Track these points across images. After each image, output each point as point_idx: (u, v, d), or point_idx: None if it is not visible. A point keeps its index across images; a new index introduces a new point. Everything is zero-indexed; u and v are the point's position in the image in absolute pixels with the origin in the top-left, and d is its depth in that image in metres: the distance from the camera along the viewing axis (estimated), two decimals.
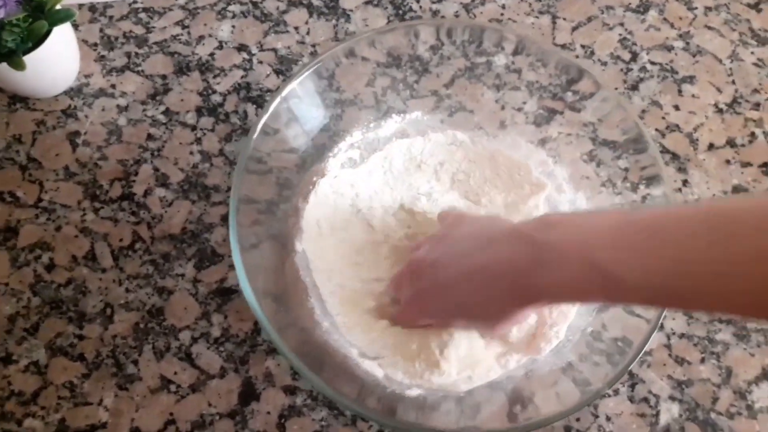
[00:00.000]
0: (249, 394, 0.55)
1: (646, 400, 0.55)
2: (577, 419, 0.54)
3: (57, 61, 0.62)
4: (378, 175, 0.61)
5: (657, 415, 0.55)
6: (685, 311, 0.58)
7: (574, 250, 0.40)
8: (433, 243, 0.53)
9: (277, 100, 0.55)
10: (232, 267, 0.59)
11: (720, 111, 0.67)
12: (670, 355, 0.57)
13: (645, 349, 0.55)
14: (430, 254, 0.51)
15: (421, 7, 0.71)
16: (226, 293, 0.58)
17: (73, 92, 0.66)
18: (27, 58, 0.57)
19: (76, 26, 0.68)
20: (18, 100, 0.65)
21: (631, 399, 0.55)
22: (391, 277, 0.56)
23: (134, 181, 0.62)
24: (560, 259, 0.41)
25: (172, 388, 0.55)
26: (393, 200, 0.61)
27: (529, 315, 0.51)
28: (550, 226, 0.42)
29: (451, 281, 0.48)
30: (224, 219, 0.61)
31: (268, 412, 0.54)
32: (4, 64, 0.57)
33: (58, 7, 0.58)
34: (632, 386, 0.56)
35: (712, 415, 0.55)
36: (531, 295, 0.43)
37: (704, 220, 0.37)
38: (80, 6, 0.69)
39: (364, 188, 0.60)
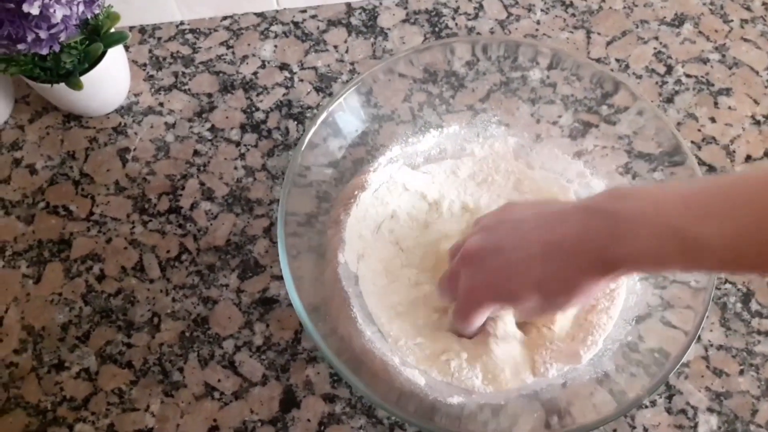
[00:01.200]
0: (290, 401, 0.56)
1: (683, 411, 0.55)
2: (614, 430, 0.55)
3: (110, 80, 0.65)
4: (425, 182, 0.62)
5: (695, 427, 0.55)
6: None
7: (649, 218, 0.40)
8: (487, 231, 0.51)
9: (322, 117, 0.57)
10: (273, 278, 0.61)
11: (757, 123, 0.66)
12: (708, 366, 0.57)
13: (683, 360, 0.55)
14: (488, 241, 0.50)
15: (456, 24, 0.72)
16: (268, 303, 0.60)
17: (124, 110, 0.69)
18: (83, 79, 0.60)
19: (126, 47, 0.71)
20: (72, 118, 0.68)
21: (668, 410, 0.55)
22: (440, 277, 0.54)
23: (181, 195, 0.65)
24: (636, 228, 0.40)
25: (216, 395, 0.57)
26: (452, 200, 0.62)
27: (606, 287, 0.48)
28: (619, 198, 0.42)
29: (526, 261, 0.47)
30: (266, 231, 0.63)
31: (308, 420, 0.56)
32: (62, 85, 0.60)
33: (112, 30, 0.61)
34: (669, 398, 0.56)
35: (752, 428, 0.54)
36: (610, 266, 0.42)
37: None
38: (130, 28, 0.73)
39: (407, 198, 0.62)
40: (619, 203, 0.42)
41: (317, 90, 0.69)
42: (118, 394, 0.57)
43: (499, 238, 0.49)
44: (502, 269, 0.48)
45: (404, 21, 0.73)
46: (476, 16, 0.73)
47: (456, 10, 0.73)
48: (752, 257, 0.37)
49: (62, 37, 0.55)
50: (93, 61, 0.61)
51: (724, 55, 0.69)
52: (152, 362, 0.58)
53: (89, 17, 0.56)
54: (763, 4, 0.72)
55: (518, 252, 0.47)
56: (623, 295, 0.56)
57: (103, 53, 0.61)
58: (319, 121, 0.57)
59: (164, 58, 0.71)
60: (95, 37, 0.60)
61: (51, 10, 0.52)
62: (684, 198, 0.40)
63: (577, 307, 0.55)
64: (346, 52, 0.71)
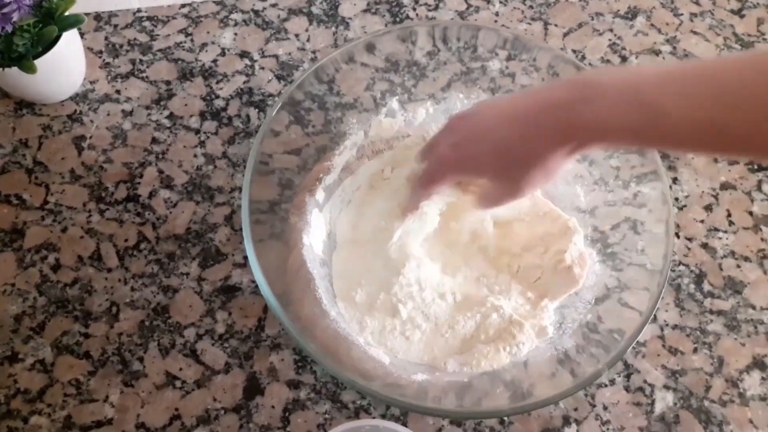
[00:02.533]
0: (253, 388, 0.56)
1: (641, 389, 0.57)
2: (575, 409, 0.56)
3: (64, 66, 0.64)
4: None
5: (652, 403, 0.56)
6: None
7: (618, 87, 0.41)
8: (472, 109, 0.52)
9: (280, 104, 0.57)
10: (236, 265, 0.60)
11: None
12: (663, 345, 0.58)
13: (640, 339, 0.57)
14: (471, 110, 0.51)
15: (417, 14, 0.73)
16: (230, 291, 0.59)
17: (79, 98, 0.67)
18: (36, 63, 0.58)
19: (81, 34, 0.70)
20: (24, 105, 0.66)
21: (626, 388, 0.57)
22: (421, 148, 0.55)
23: (139, 183, 0.64)
24: (604, 94, 0.41)
25: (178, 384, 0.56)
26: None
27: (564, 169, 0.48)
28: (600, 71, 0.44)
29: (492, 124, 0.47)
30: (228, 219, 0.62)
31: (273, 406, 0.55)
32: (13, 69, 0.58)
33: (67, 13, 0.60)
34: (628, 376, 0.57)
35: (706, 403, 0.56)
36: (570, 131, 0.43)
37: (753, 61, 0.38)
38: (86, 15, 0.71)
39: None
40: (596, 74, 0.44)
41: (279, 78, 0.69)
42: (75, 385, 0.56)
43: (480, 109, 0.50)
44: (472, 133, 0.49)
45: (365, 11, 0.73)
46: (437, 7, 0.73)
47: (417, 1, 0.74)
48: (716, 135, 0.38)
49: (14, 17, 0.53)
50: (47, 44, 0.59)
51: (675, 47, 0.72)
52: (111, 352, 0.57)
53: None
54: None
55: (490, 119, 0.48)
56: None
57: (58, 37, 0.59)
58: (276, 109, 0.57)
59: (121, 46, 0.70)
60: (49, 21, 0.58)
61: None
62: (657, 74, 0.41)
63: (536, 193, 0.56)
64: (308, 40, 0.71)
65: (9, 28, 0.54)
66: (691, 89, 0.39)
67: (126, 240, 0.61)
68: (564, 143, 0.44)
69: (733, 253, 0.62)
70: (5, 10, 0.52)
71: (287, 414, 0.55)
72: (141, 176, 0.64)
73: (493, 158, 0.48)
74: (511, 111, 0.47)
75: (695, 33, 0.73)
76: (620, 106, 0.41)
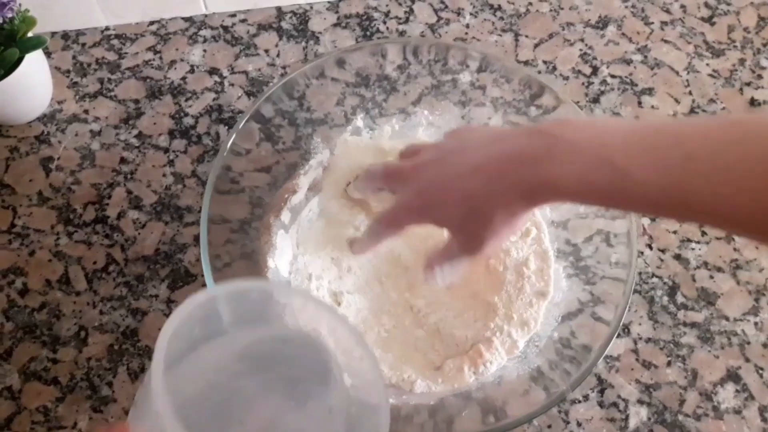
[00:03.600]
0: None
1: (615, 404, 0.56)
2: (549, 426, 0.55)
3: (29, 88, 0.63)
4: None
5: (626, 419, 0.56)
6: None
7: (586, 144, 0.40)
8: (438, 145, 0.51)
9: (245, 119, 0.57)
10: (205, 286, 0.59)
11: None
12: (637, 359, 0.58)
13: (613, 354, 0.56)
14: (437, 153, 0.50)
15: (387, 28, 0.73)
16: None
17: (47, 118, 0.66)
18: None
19: (48, 53, 0.69)
20: None
21: (600, 404, 0.56)
22: (383, 169, 0.53)
23: (107, 204, 0.63)
24: (572, 152, 0.41)
25: None
26: None
27: (524, 223, 0.46)
28: (564, 124, 0.43)
29: (459, 172, 0.46)
30: (197, 239, 0.61)
31: None
32: None
33: (30, 34, 0.59)
34: (601, 391, 0.57)
35: (680, 417, 0.56)
36: (537, 187, 0.42)
37: (721, 125, 0.37)
38: (53, 34, 0.70)
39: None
40: (562, 128, 0.42)
41: (248, 94, 0.68)
42: (43, 412, 0.55)
43: (446, 152, 0.49)
44: (439, 180, 0.48)
45: (335, 25, 0.73)
46: (407, 20, 0.73)
47: (387, 14, 0.73)
48: (681, 201, 0.38)
49: None
50: (9, 67, 0.58)
51: (646, 56, 0.71)
52: (80, 377, 0.56)
53: (3, 21, 0.54)
54: (681, 6, 0.74)
55: (456, 166, 0.47)
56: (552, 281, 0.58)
57: (20, 59, 0.58)
58: (241, 125, 0.57)
59: (89, 65, 0.69)
60: (11, 43, 0.58)
61: None
62: (624, 133, 0.40)
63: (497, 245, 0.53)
64: (278, 56, 0.71)
65: None
66: (659, 153, 0.38)
67: (95, 262, 0.60)
68: (527, 198, 0.43)
69: (706, 264, 0.62)
70: None
71: None
72: (109, 197, 0.63)
73: (458, 209, 0.46)
74: (477, 160, 0.46)
75: (666, 41, 0.72)
76: (586, 165, 0.40)
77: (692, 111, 0.69)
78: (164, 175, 0.64)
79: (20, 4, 0.58)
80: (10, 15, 0.53)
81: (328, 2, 0.73)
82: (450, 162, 0.48)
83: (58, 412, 0.55)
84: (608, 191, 0.40)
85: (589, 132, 0.42)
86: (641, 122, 0.41)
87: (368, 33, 0.72)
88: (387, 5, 0.74)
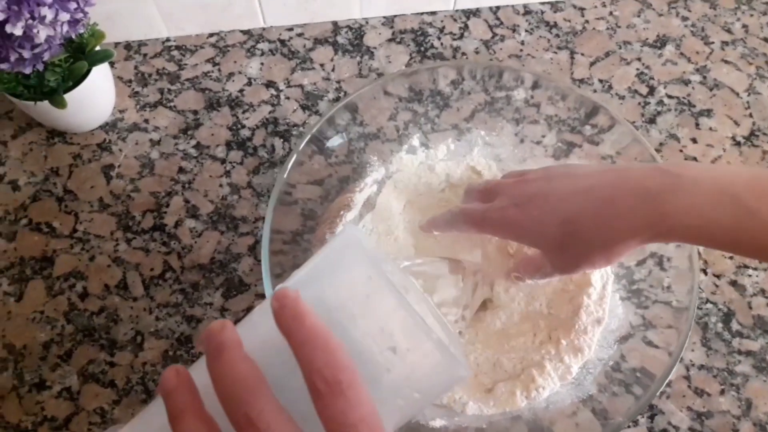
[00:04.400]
0: None
1: (665, 431, 0.55)
2: None
3: (94, 98, 0.65)
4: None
5: None
6: None
7: (709, 182, 0.40)
8: (545, 168, 0.49)
9: (309, 136, 0.58)
10: (258, 296, 0.61)
11: (737, 144, 0.67)
12: (689, 386, 0.57)
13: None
14: (544, 174, 0.48)
15: (442, 43, 0.73)
16: None
17: (108, 127, 0.69)
18: (67, 96, 0.59)
19: (112, 63, 0.71)
20: (56, 134, 0.68)
21: (650, 430, 0.56)
22: (484, 183, 0.53)
23: (165, 212, 0.65)
24: (695, 188, 0.40)
25: None
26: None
27: (621, 259, 0.45)
28: (686, 163, 0.42)
29: (565, 193, 0.45)
30: (251, 249, 0.63)
31: None
32: (45, 102, 0.60)
33: (97, 48, 0.61)
34: (651, 417, 0.56)
35: None
36: (654, 220, 0.41)
37: None
38: (116, 44, 0.73)
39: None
40: (682, 167, 0.41)
41: (303, 108, 0.69)
42: (100, 413, 0.57)
43: (549, 173, 0.48)
44: (541, 198, 0.46)
45: (390, 40, 0.73)
46: (461, 36, 0.73)
47: (441, 30, 0.74)
48: None
49: (46, 56, 0.55)
50: (77, 79, 0.60)
51: (705, 77, 0.70)
52: (135, 381, 0.58)
53: (74, 36, 0.56)
54: (744, 26, 0.73)
55: (563, 187, 0.45)
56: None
57: (88, 71, 0.61)
58: (304, 142, 0.58)
59: (150, 75, 0.71)
60: (80, 55, 0.60)
61: (35, 31, 0.52)
62: (750, 175, 0.40)
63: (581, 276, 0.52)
64: (333, 70, 0.72)
65: (40, 67, 0.55)
66: None
67: (152, 269, 0.62)
68: (644, 232, 0.42)
69: (763, 291, 0.60)
70: (37, 51, 0.53)
71: None
72: (167, 205, 0.65)
73: (557, 229, 0.45)
74: (587, 185, 0.44)
75: (726, 62, 0.71)
76: (711, 202, 0.39)
77: (752, 134, 0.67)
78: (221, 186, 0.66)
79: (89, 19, 0.60)
80: (81, 31, 0.55)
81: (384, 17, 0.74)
82: (557, 183, 0.46)
83: (114, 414, 0.56)
84: (733, 231, 0.39)
85: (712, 172, 0.41)
86: (759, 168, 0.40)
87: (422, 48, 0.73)
88: (442, 21, 0.74)
